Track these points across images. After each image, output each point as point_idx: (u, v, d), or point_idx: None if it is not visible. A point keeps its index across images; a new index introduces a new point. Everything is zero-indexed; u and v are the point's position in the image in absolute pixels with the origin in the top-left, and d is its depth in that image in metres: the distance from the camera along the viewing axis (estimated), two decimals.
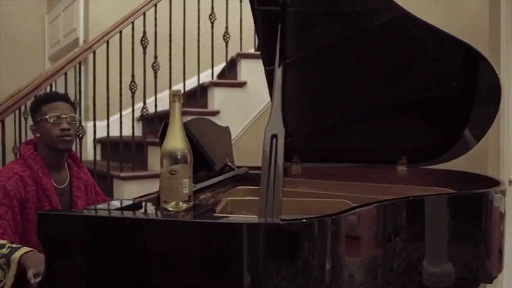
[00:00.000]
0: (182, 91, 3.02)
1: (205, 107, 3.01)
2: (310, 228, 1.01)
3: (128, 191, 2.64)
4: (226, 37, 3.06)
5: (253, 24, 1.78)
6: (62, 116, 1.63)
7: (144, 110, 2.77)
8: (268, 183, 1.09)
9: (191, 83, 3.10)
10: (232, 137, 2.95)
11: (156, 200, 1.29)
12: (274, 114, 1.20)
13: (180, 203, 1.16)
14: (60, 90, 3.18)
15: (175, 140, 1.17)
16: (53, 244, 1.05)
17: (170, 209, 1.16)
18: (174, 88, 2.92)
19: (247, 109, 2.99)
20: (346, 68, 1.92)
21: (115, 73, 2.68)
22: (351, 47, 1.82)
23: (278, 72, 1.29)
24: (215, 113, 2.93)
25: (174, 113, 1.18)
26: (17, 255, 1.34)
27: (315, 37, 1.87)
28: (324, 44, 1.85)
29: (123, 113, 2.75)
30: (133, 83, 2.74)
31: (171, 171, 1.15)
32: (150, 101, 2.86)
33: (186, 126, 1.29)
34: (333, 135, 2.09)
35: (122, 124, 2.71)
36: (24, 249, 1.37)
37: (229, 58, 3.13)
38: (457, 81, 1.81)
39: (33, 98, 1.77)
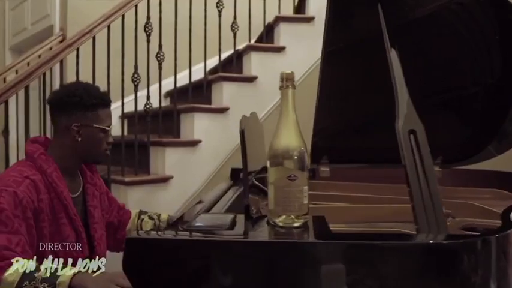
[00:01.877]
0: (188, 85, 2.73)
1: (211, 102, 2.73)
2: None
3: (132, 198, 2.31)
4: (234, 28, 2.79)
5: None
6: (110, 127, 1.40)
7: (148, 106, 2.44)
8: (422, 189, 0.87)
9: (194, 77, 2.80)
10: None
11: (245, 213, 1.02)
12: (404, 106, 0.99)
13: (292, 216, 0.90)
14: (55, 80, 2.83)
15: (290, 136, 0.92)
16: (146, 275, 0.77)
17: (281, 224, 0.91)
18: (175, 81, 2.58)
19: (257, 106, 2.73)
20: (380, 63, 1.79)
21: (116, 63, 2.34)
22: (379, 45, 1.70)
23: (394, 58, 1.08)
24: (224, 110, 2.65)
25: (286, 101, 0.93)
26: (64, 278, 1.02)
27: (351, 29, 1.71)
28: (361, 37, 1.70)
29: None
30: (136, 75, 2.41)
31: (290, 176, 0.89)
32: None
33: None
34: (360, 134, 1.95)
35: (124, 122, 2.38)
36: (69, 269, 1.05)
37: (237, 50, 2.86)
38: (494, 78, 1.72)
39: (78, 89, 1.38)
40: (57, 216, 1.29)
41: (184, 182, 2.49)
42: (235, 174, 2.10)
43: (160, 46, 2.51)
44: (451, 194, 1.65)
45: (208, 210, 1.20)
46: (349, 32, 1.59)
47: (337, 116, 1.92)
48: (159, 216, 1.61)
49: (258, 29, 2.99)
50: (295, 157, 0.90)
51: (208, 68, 2.96)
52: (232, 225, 0.89)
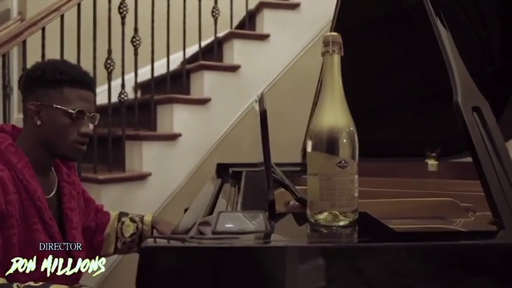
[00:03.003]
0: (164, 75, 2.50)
1: (190, 93, 2.52)
2: None
3: (106, 197, 2.07)
4: (215, 13, 2.59)
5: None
6: (87, 114, 1.14)
7: (123, 96, 2.20)
8: (498, 175, 0.72)
9: (171, 67, 2.57)
10: (223, 129, 2.52)
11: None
12: (463, 81, 0.84)
13: (339, 214, 0.73)
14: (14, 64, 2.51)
15: (338, 113, 0.74)
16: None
17: (323, 223, 0.74)
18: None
19: (240, 97, 2.56)
20: (381, 52, 1.67)
21: (86, 45, 2.08)
22: (388, 27, 1.58)
23: (442, 29, 0.93)
24: (205, 101, 2.45)
25: (332, 70, 0.76)
26: None
27: (352, 12, 1.59)
28: (362, 22, 1.59)
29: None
30: (109, 61, 2.16)
31: (340, 162, 0.72)
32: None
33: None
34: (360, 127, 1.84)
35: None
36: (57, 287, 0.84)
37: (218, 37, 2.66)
38: (493, 66, 1.65)
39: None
40: (30, 221, 1.06)
41: (163, 180, 2.27)
42: (222, 170, 1.92)
43: (135, 30, 2.27)
44: (457, 188, 1.55)
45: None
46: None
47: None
48: (142, 218, 1.39)
49: (239, 16, 2.80)
50: (345, 139, 0.73)
51: (180, 60, 2.75)
52: (269, 226, 0.70)
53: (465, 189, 1.52)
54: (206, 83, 2.47)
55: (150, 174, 2.22)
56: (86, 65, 2.09)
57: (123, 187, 2.14)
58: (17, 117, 2.87)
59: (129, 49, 2.26)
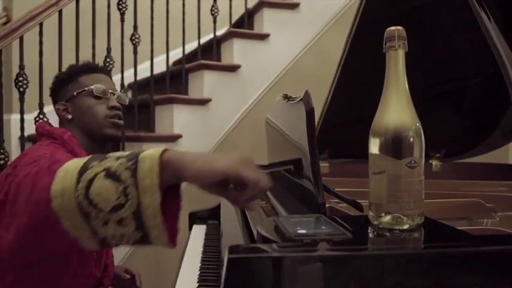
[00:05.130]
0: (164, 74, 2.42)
1: (188, 93, 2.45)
2: None
3: None
4: (214, 11, 2.53)
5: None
6: (110, 91, 1.15)
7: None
8: None
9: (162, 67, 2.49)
10: (224, 130, 2.46)
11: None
12: None
13: (405, 217, 0.69)
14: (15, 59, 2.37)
15: (405, 111, 0.70)
16: None
17: (389, 226, 0.69)
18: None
19: (241, 98, 2.50)
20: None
21: (85, 41, 1.99)
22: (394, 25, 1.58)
23: (497, 33, 0.91)
24: (205, 102, 2.39)
25: (396, 66, 0.72)
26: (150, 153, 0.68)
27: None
28: (369, 21, 1.57)
29: None
30: (109, 59, 2.07)
31: (410, 162, 0.68)
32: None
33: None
34: (361, 126, 1.82)
35: None
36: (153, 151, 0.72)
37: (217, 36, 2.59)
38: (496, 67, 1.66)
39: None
40: None
41: None
42: None
43: (135, 27, 2.19)
44: (468, 188, 1.55)
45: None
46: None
47: (335, 107, 1.76)
48: None
49: (236, 14, 2.75)
50: (413, 138, 0.69)
51: (177, 58, 2.68)
52: (347, 232, 0.65)
53: (477, 190, 1.51)
54: (206, 82, 2.40)
55: None
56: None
57: None
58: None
59: (127, 46, 2.18)
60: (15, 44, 1.79)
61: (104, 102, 1.12)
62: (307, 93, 0.89)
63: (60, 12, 1.88)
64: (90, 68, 1.16)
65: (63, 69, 1.35)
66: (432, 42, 1.59)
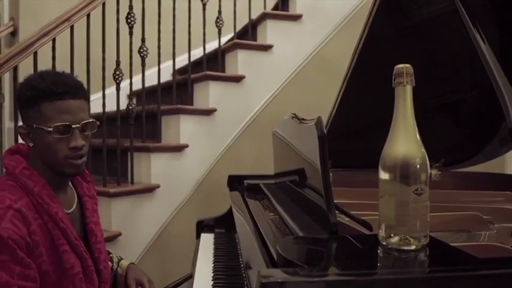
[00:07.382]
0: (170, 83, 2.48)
1: (193, 103, 2.50)
2: None
3: (116, 210, 2.04)
4: (219, 23, 2.59)
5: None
6: (74, 126, 1.04)
7: (131, 106, 2.17)
8: None
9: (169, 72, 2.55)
10: (228, 140, 2.52)
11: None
12: None
13: (412, 238, 0.76)
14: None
15: (412, 143, 0.77)
16: None
17: (396, 246, 0.76)
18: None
19: (244, 109, 2.56)
20: (388, 63, 1.72)
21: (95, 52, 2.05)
22: (395, 41, 1.63)
23: (489, 52, 0.97)
24: (210, 112, 2.45)
25: (404, 101, 0.78)
26: None
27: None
28: (372, 36, 1.62)
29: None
30: (118, 71, 2.13)
31: (417, 190, 0.75)
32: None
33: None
34: (363, 137, 1.87)
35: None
36: None
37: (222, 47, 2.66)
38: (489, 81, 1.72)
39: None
40: (57, 243, 1.05)
41: (170, 191, 2.25)
42: (233, 182, 1.93)
43: (143, 40, 2.25)
44: (466, 198, 1.61)
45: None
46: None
47: (339, 118, 1.81)
48: (119, 260, 1.34)
49: (239, 24, 2.81)
50: (420, 168, 0.76)
51: (181, 65, 2.73)
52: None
53: (474, 199, 1.57)
54: (211, 93, 2.47)
55: (158, 187, 2.20)
56: (97, 75, 2.08)
57: (132, 200, 2.11)
58: (9, 126, 2.79)
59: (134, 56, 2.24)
60: (29, 60, 1.85)
61: (65, 140, 1.04)
62: (319, 120, 0.96)
63: (72, 27, 1.94)
64: (53, 94, 1.02)
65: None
66: (432, 57, 1.65)
